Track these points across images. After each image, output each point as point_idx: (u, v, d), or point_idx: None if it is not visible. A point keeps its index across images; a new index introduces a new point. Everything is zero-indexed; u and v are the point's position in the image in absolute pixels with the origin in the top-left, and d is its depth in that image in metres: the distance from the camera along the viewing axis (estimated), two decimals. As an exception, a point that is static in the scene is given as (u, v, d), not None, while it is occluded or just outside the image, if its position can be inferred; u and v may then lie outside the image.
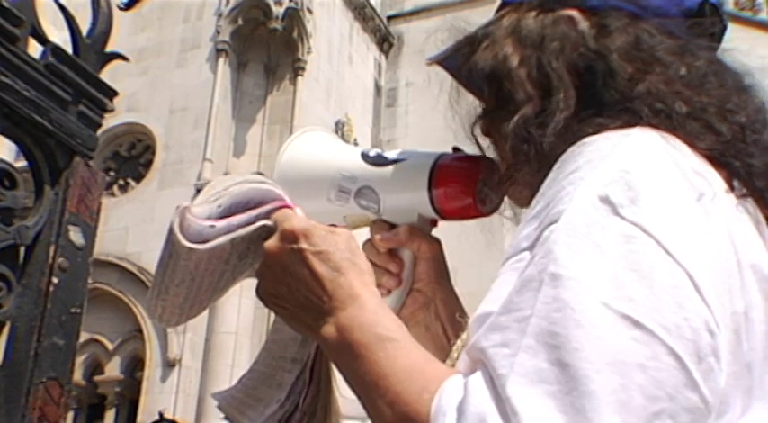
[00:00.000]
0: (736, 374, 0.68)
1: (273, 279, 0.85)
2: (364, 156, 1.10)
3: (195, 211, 0.87)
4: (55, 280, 0.76)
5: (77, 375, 13.59)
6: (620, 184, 0.69)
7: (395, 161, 1.08)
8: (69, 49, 0.88)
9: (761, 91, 0.88)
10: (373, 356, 0.75)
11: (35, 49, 0.83)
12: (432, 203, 1.05)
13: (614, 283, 0.65)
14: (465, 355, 0.71)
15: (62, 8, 0.87)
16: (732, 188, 0.76)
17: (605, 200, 0.69)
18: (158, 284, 0.87)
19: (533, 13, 0.96)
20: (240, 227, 0.88)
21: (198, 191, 13.91)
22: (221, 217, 0.88)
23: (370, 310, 0.79)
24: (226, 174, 13.93)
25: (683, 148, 0.75)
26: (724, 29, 0.96)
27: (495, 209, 1.00)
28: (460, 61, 1.02)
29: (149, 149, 15.21)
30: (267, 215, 0.89)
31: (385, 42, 19.53)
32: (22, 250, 0.79)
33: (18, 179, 0.77)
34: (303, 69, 15.46)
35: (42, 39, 0.83)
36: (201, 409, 12.43)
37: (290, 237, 0.84)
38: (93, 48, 0.88)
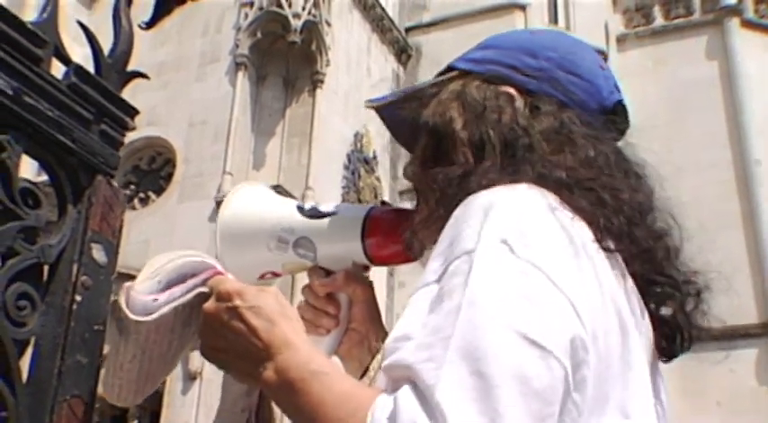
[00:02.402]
0: (597, 387, 0.83)
1: (214, 335, 0.94)
2: (300, 209, 1.23)
3: (138, 289, 0.94)
4: (78, 298, 0.76)
5: (100, 387, 13.61)
6: (514, 228, 0.85)
7: (329, 214, 1.21)
8: (90, 66, 0.89)
9: (651, 180, 1.07)
10: (310, 389, 0.86)
11: (57, 69, 0.84)
12: (365, 252, 1.18)
13: (515, 309, 0.80)
14: (383, 374, 0.84)
15: (84, 29, 0.88)
16: (601, 242, 0.91)
17: (504, 242, 0.84)
18: (113, 364, 0.94)
19: (477, 83, 1.10)
20: (180, 296, 0.99)
21: (218, 204, 13.97)
22: (162, 291, 0.97)
23: (302, 351, 0.91)
24: (245, 186, 13.98)
25: (558, 204, 0.90)
26: (628, 126, 1.15)
27: (421, 254, 1.09)
28: (402, 112, 1.16)
29: (169, 163, 15.29)
30: (203, 283, 1.01)
31: (403, 54, 19.55)
32: (46, 269, 0.79)
33: (41, 198, 0.78)
34: (322, 82, 15.51)
35: (65, 59, 0.84)
36: None
37: (226, 297, 0.94)
38: (114, 67, 0.89)
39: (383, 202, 1.26)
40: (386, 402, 0.79)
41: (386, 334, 1.15)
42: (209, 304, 0.95)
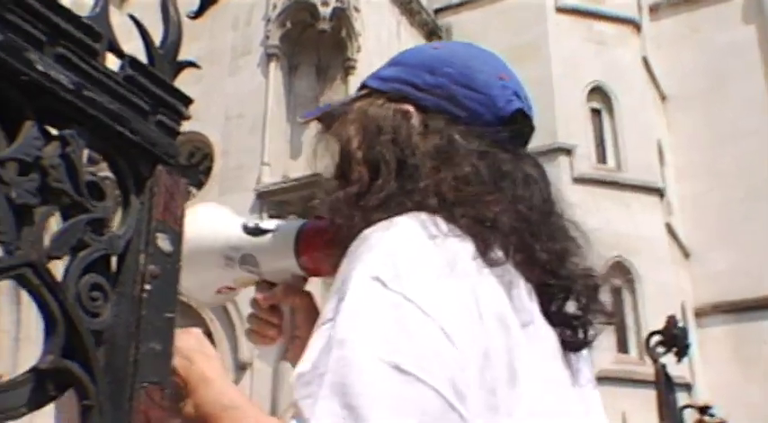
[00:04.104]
0: (484, 397, 0.88)
1: None
2: (245, 228, 1.31)
3: None
4: (148, 287, 0.77)
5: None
6: (387, 264, 0.89)
7: (268, 231, 1.28)
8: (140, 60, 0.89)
9: (550, 185, 1.12)
10: (221, 422, 0.96)
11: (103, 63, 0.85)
12: (299, 265, 1.26)
13: (386, 341, 0.84)
14: (292, 408, 0.89)
15: (136, 22, 0.89)
16: (484, 256, 0.95)
17: (376, 278, 0.88)
18: None
19: (380, 102, 1.14)
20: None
21: (258, 195, 14.08)
22: None
23: (216, 387, 0.99)
24: (284, 177, 14.06)
25: (440, 228, 0.95)
26: (531, 131, 1.19)
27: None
28: (324, 127, 1.23)
29: (208, 157, 15.41)
30: None
31: (433, 36, 19.46)
32: (113, 260, 0.80)
33: (106, 190, 0.79)
34: (354, 68, 15.51)
35: (119, 52, 0.85)
36: (275, 412, 12.56)
37: None
38: (166, 57, 0.90)
39: (317, 217, 1.28)
40: None
41: None
42: None
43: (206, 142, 15.38)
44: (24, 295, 12.85)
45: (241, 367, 13.18)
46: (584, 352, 1.09)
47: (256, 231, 1.29)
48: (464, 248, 0.95)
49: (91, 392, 0.69)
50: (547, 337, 1.02)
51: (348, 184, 1.08)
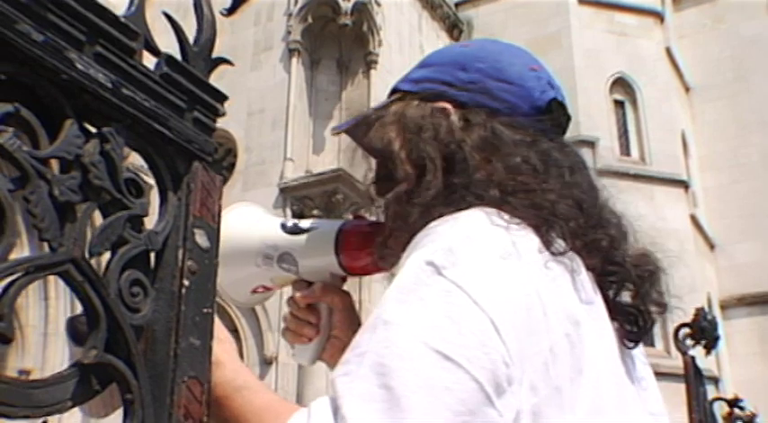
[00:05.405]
0: (548, 395, 0.87)
1: None
2: (283, 226, 1.32)
3: None
4: (186, 282, 0.78)
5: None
6: (446, 252, 0.90)
7: (307, 230, 1.29)
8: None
9: (592, 173, 1.13)
10: (233, 403, 0.95)
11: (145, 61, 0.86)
12: (339, 264, 1.26)
13: (432, 326, 0.84)
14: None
15: (170, 20, 0.89)
16: (548, 247, 0.95)
17: (431, 264, 0.89)
18: None
19: (416, 102, 1.16)
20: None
21: (281, 191, 14.11)
22: None
23: (229, 370, 0.97)
24: (307, 172, 14.09)
25: (504, 219, 0.95)
26: (568, 120, 1.20)
27: (394, 264, 1.12)
28: (360, 135, 1.26)
29: (231, 152, 15.46)
30: None
31: (455, 29, 19.41)
32: (152, 255, 0.81)
33: (144, 187, 0.79)
34: (375, 62, 15.49)
35: (155, 50, 0.85)
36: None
37: None
38: (200, 55, 0.90)
39: (357, 216, 1.32)
40: (302, 414, 0.87)
41: None
42: None
43: (229, 138, 15.42)
44: (52, 291, 12.89)
45: (267, 362, 13.24)
46: (637, 347, 1.08)
47: (295, 230, 1.30)
48: (528, 240, 0.95)
49: (133, 387, 0.70)
50: (609, 329, 1.01)
51: (393, 184, 1.10)
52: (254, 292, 1.37)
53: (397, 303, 0.87)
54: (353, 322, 1.31)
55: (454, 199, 1.01)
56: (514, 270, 0.90)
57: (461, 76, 1.15)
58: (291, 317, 1.35)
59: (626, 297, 1.06)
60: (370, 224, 1.26)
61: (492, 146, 1.06)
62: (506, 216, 0.96)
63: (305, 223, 1.32)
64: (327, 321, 1.32)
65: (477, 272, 0.89)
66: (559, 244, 0.97)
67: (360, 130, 1.25)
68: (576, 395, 0.90)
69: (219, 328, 1.03)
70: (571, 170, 1.08)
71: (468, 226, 0.94)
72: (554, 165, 1.07)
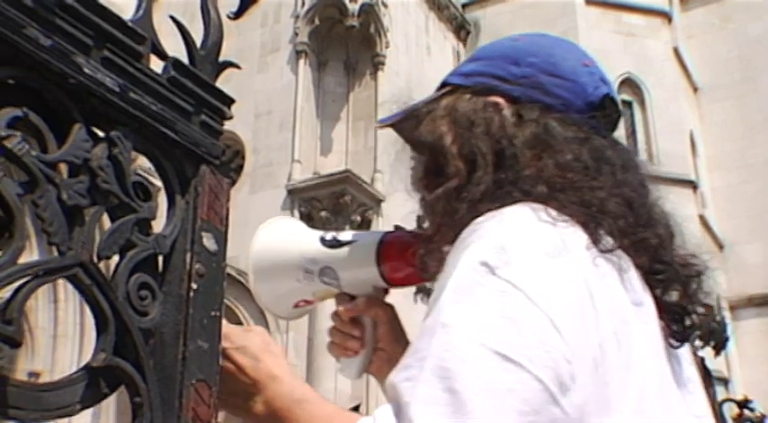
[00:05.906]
0: (596, 391, 0.86)
1: None
2: (322, 240, 1.31)
3: None
4: (194, 285, 0.78)
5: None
6: (497, 251, 0.89)
7: (347, 243, 1.28)
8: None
9: (643, 168, 1.12)
10: (294, 416, 0.96)
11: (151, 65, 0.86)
12: (382, 276, 1.26)
13: (491, 328, 0.84)
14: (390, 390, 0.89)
15: (177, 23, 0.90)
16: (597, 243, 0.94)
17: (484, 264, 0.88)
18: None
19: (467, 96, 1.14)
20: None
21: (289, 192, 14.13)
22: None
23: (286, 383, 0.99)
24: (315, 173, 14.09)
25: (552, 215, 0.94)
26: (619, 117, 1.19)
27: (436, 273, 1.11)
28: (408, 129, 1.23)
29: (239, 154, 15.47)
30: None
31: (462, 30, 19.39)
32: (160, 259, 0.81)
33: (151, 190, 0.80)
34: (383, 64, 15.48)
35: (162, 54, 0.85)
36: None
37: None
38: (207, 58, 0.90)
39: (397, 227, 1.31)
40: (368, 420, 0.86)
41: None
42: None
43: (236, 140, 15.43)
44: (61, 293, 12.90)
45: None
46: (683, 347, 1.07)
47: (335, 243, 1.30)
48: (576, 236, 0.94)
49: (142, 390, 0.70)
50: (656, 329, 1.00)
51: (443, 179, 1.08)
52: (296, 306, 1.37)
53: (453, 305, 0.87)
54: (398, 334, 1.31)
55: (500, 194, 1.00)
56: (565, 266, 0.90)
57: (514, 71, 1.14)
58: (335, 331, 1.35)
59: (673, 296, 1.05)
60: (409, 234, 1.25)
61: (543, 142, 1.06)
62: (553, 212, 0.95)
63: (344, 236, 1.31)
64: (372, 334, 1.32)
65: (531, 270, 0.88)
66: (607, 241, 0.96)
67: (408, 123, 1.23)
68: (622, 394, 0.89)
69: (271, 342, 1.04)
70: (623, 168, 1.07)
71: (516, 222, 0.93)
72: (605, 162, 1.06)
